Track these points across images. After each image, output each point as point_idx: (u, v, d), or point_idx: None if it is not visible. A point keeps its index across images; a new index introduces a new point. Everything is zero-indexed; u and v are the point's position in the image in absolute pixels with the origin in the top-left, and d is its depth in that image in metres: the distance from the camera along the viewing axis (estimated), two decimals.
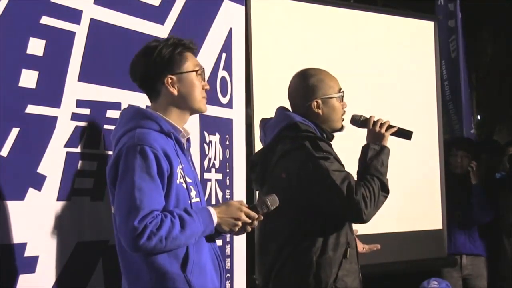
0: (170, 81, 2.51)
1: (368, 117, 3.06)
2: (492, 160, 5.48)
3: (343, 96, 3.03)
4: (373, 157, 2.94)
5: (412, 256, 5.03)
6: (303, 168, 2.86)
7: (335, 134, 3.07)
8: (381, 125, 3.01)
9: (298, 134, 2.92)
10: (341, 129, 3.06)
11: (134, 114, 2.51)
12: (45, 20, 2.84)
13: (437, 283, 4.49)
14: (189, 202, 2.45)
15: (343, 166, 2.91)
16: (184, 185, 2.45)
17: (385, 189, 2.91)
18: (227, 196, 3.90)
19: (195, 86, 2.54)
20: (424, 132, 5.14)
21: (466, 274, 5.12)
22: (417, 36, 5.31)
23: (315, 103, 2.98)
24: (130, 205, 2.30)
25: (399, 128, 3.05)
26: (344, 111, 3.05)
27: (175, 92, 2.52)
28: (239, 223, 2.48)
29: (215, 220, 2.45)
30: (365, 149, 2.99)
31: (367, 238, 4.59)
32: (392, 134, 3.03)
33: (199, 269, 2.44)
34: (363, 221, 2.87)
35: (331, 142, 3.03)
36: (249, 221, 2.50)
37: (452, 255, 5.16)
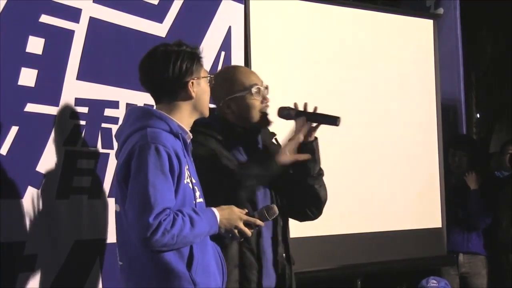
0: (192, 84, 2.53)
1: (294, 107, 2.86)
2: (490, 159, 5.47)
3: (256, 92, 2.85)
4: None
5: (411, 254, 5.02)
6: None
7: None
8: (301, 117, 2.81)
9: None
10: (263, 123, 2.88)
11: (143, 113, 2.51)
12: (44, 18, 2.84)
13: (436, 282, 4.47)
14: (194, 202, 2.48)
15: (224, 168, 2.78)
16: (190, 185, 2.47)
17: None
18: None
19: (207, 91, 2.59)
20: (424, 131, 5.14)
21: (463, 272, 5.11)
22: (417, 35, 5.30)
23: (225, 104, 2.88)
24: (145, 202, 2.31)
25: (320, 114, 2.83)
26: (265, 105, 2.87)
27: (194, 95, 2.54)
28: (236, 231, 2.54)
29: (219, 221, 2.49)
30: None
31: (367, 237, 4.63)
32: (318, 122, 2.83)
33: (203, 269, 2.46)
34: None
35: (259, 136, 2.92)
36: (246, 229, 2.56)
37: (450, 253, 5.15)
